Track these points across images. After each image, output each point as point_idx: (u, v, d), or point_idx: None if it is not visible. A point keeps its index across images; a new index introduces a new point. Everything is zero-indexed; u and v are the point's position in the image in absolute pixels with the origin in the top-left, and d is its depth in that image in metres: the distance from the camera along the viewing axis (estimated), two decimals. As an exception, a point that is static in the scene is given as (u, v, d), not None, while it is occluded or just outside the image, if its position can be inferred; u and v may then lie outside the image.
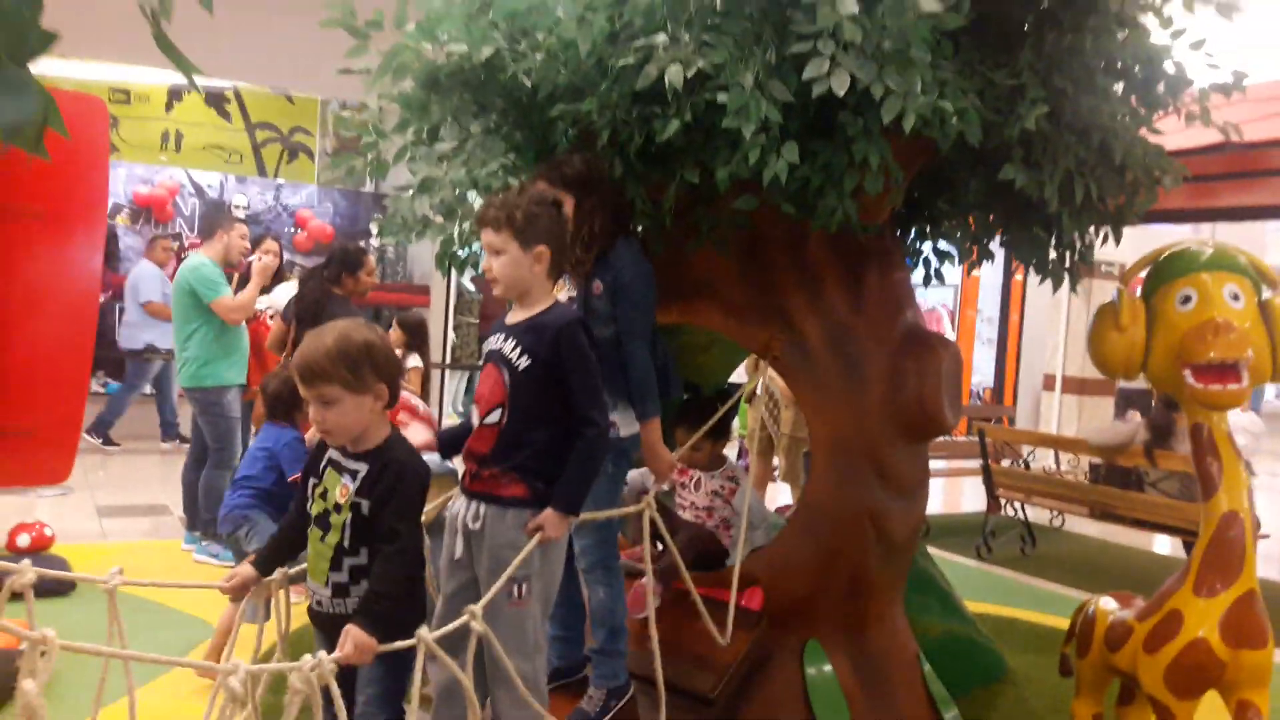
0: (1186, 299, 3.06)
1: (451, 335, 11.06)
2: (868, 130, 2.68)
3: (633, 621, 3.02)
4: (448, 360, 10.66)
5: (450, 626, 2.23)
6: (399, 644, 2.13)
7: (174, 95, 10.99)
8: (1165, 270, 3.18)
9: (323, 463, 2.36)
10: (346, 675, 2.12)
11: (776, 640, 3.15)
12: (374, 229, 11.20)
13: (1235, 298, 3.02)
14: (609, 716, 2.81)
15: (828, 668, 3.17)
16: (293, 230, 10.82)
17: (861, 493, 3.19)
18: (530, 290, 2.55)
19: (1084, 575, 3.97)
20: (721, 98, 2.58)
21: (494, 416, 2.50)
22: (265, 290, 6.06)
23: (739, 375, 4.95)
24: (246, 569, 2.39)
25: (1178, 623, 2.94)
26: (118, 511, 6.63)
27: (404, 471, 2.28)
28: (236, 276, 6.40)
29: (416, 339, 6.45)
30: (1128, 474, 6.61)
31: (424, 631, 2.16)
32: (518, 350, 2.49)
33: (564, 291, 2.96)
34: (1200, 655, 2.89)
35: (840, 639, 3.23)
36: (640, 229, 3.11)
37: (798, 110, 2.66)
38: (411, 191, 3.36)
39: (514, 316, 2.58)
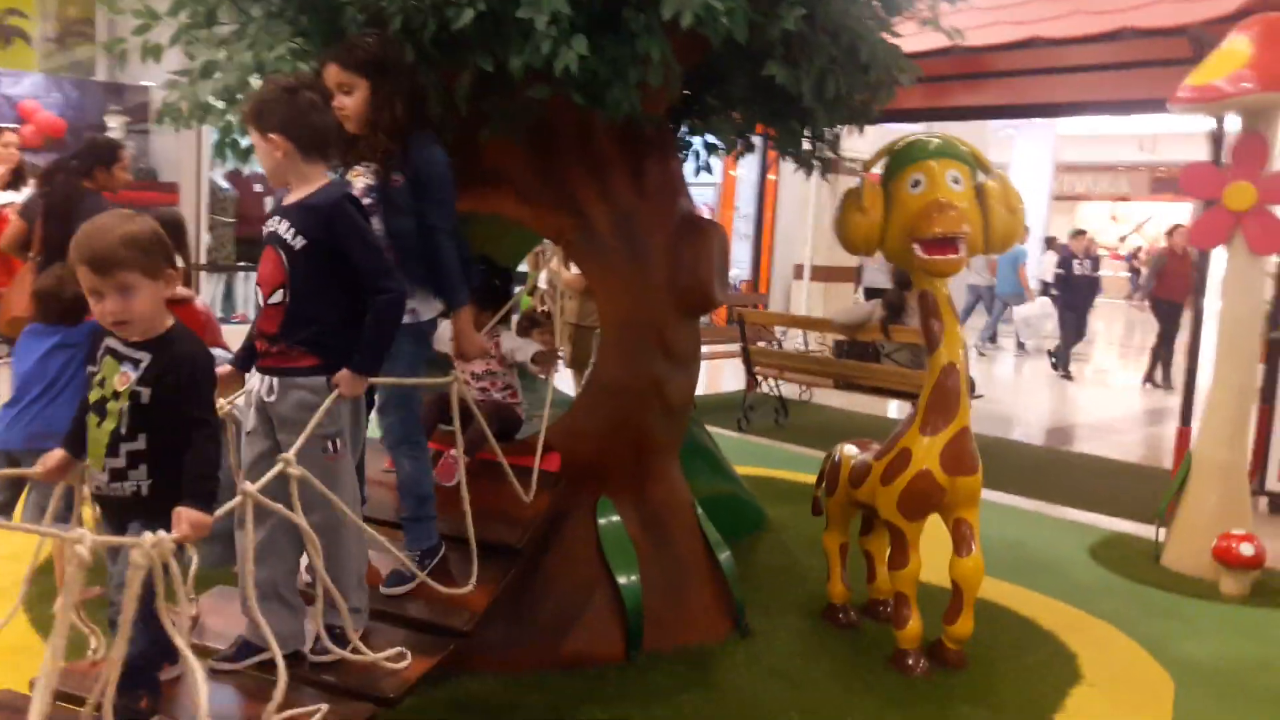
0: (916, 183, 3.52)
1: (206, 236, 10.50)
2: (649, 26, 2.89)
3: (443, 489, 3.22)
4: (204, 261, 10.14)
5: (270, 474, 2.33)
6: (226, 506, 2.23)
7: None
8: (899, 159, 3.63)
9: (101, 350, 2.34)
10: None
11: (572, 498, 3.46)
12: (110, 121, 10.33)
13: (956, 181, 3.51)
14: (425, 573, 3.03)
15: (616, 519, 3.52)
16: (16, 124, 9.79)
17: (646, 364, 3.50)
18: (292, 176, 2.61)
19: (830, 439, 4.52)
20: (514, -11, 2.71)
21: (277, 296, 2.58)
22: (9, 187, 5.60)
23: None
24: (58, 453, 2.38)
25: (907, 458, 3.48)
26: None
27: (195, 364, 2.30)
28: None
29: (175, 238, 6.13)
30: (866, 348, 7.37)
31: (248, 484, 2.27)
32: (292, 231, 2.56)
33: (361, 179, 3.02)
34: (925, 483, 3.44)
35: (627, 494, 3.58)
36: (433, 117, 3.19)
37: (585, 5, 2.83)
38: (189, 77, 3.29)
39: (288, 199, 2.64)
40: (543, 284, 6.67)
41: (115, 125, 10.12)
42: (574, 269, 5.87)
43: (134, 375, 2.25)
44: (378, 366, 2.63)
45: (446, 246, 2.98)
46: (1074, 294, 12.20)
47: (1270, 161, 4.71)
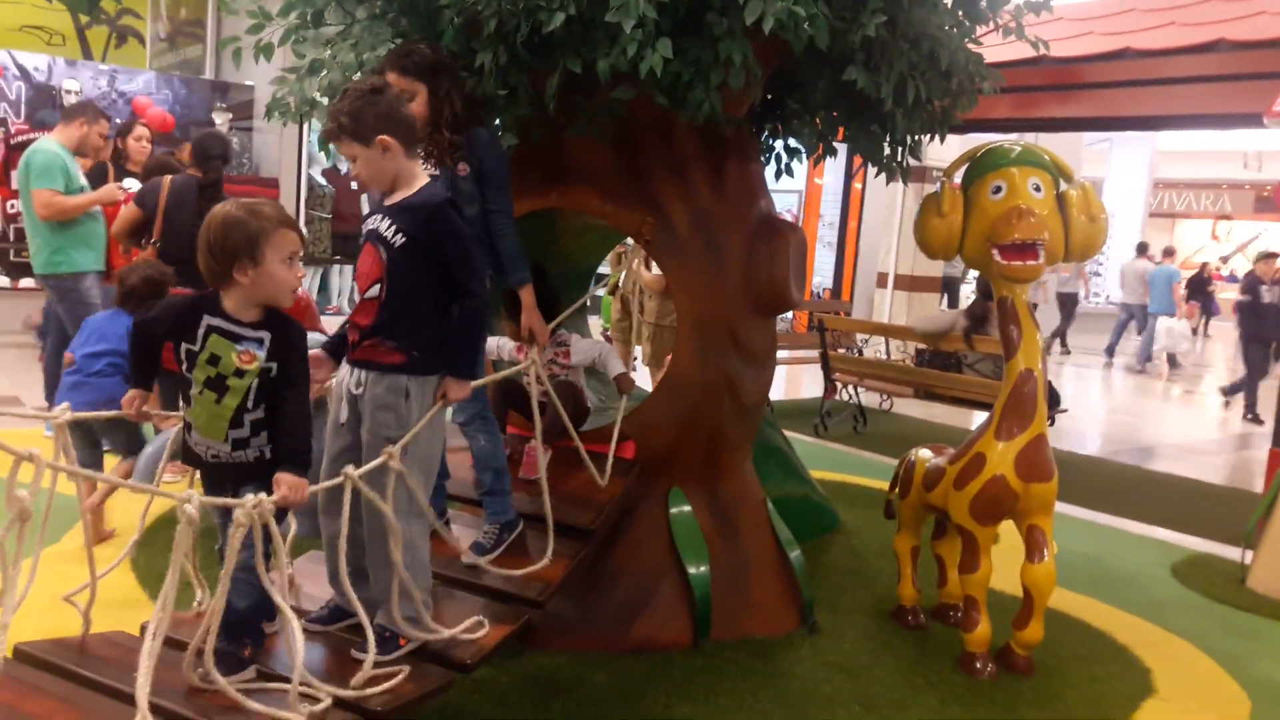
0: (997, 189, 3.54)
1: (304, 230, 10.89)
2: (732, 30, 2.98)
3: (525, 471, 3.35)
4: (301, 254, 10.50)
5: (374, 464, 2.48)
6: (328, 483, 2.39)
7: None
8: (980, 165, 3.65)
9: (200, 330, 2.40)
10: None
11: (645, 487, 3.56)
12: (216, 117, 10.79)
13: (1037, 189, 3.52)
14: (503, 547, 3.16)
15: (687, 509, 3.61)
16: (129, 118, 10.30)
17: (719, 361, 3.58)
18: (397, 177, 2.70)
19: (907, 448, 4.50)
20: (603, -6, 2.82)
21: (374, 291, 2.67)
22: (138, 177, 5.93)
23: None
24: (133, 393, 2.55)
25: (981, 462, 3.49)
26: (-34, 404, 6.47)
27: (302, 335, 2.50)
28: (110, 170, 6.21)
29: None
30: (948, 358, 7.31)
31: (350, 469, 2.42)
32: (394, 229, 2.66)
33: (426, 173, 3.16)
34: (998, 488, 3.45)
35: (698, 486, 3.67)
36: (523, 115, 3.32)
37: (670, 9, 2.92)
38: (297, 75, 3.48)
39: (390, 199, 2.73)
40: (623, 284, 6.79)
41: (221, 121, 10.58)
42: (654, 269, 5.97)
43: (260, 353, 2.39)
44: (474, 368, 2.75)
45: (509, 229, 3.14)
46: (1261, 323, 10.71)
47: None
